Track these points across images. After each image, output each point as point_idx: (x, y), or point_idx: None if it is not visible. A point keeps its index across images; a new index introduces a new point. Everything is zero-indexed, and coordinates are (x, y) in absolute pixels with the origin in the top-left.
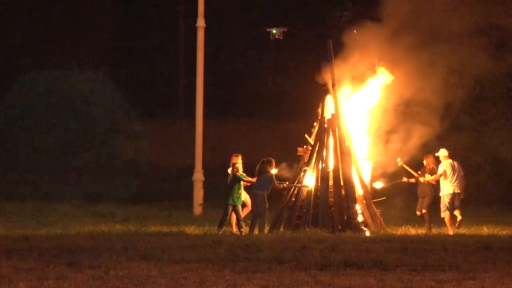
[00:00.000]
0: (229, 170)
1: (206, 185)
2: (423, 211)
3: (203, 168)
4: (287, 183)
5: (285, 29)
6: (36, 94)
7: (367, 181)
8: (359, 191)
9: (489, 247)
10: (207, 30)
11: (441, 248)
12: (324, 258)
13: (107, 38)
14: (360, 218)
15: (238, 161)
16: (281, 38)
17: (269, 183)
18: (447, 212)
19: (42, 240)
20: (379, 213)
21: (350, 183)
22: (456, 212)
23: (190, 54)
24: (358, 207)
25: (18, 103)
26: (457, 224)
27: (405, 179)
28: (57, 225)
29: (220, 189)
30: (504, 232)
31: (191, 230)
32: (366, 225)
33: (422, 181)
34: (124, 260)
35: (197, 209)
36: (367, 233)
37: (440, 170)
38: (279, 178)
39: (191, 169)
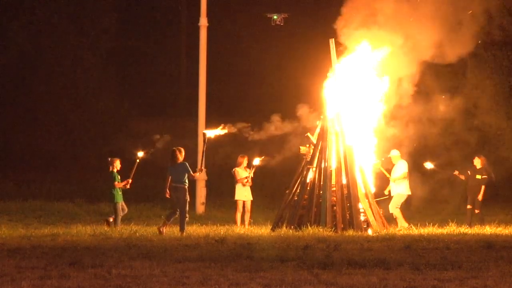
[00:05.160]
0: (233, 171)
1: (208, 184)
2: (476, 211)
3: (205, 167)
4: (203, 168)
5: (286, 15)
6: (38, 93)
7: (370, 179)
8: (361, 190)
9: (491, 246)
10: (209, 29)
11: (444, 247)
12: (327, 257)
13: (109, 36)
14: (362, 217)
15: (244, 162)
16: (282, 24)
17: (183, 174)
18: (398, 209)
19: (45, 239)
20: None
21: (353, 182)
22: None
23: (193, 53)
24: (360, 206)
25: (21, 102)
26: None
27: (456, 172)
28: (59, 224)
29: (223, 188)
30: (506, 231)
31: (193, 229)
32: (368, 224)
33: (392, 182)
34: (127, 259)
35: (200, 208)
36: (370, 232)
37: (404, 169)
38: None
39: (193, 168)
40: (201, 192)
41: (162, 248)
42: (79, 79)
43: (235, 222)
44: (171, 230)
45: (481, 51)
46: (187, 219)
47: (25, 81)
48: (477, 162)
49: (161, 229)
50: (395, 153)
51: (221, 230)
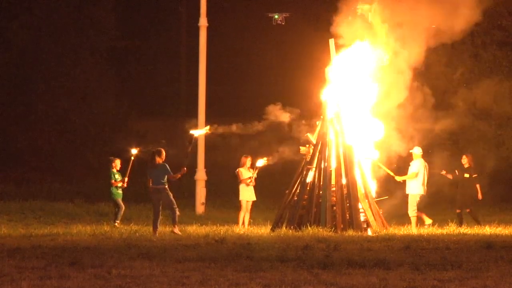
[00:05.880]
0: (236, 171)
1: (208, 184)
2: (467, 210)
3: (205, 167)
4: (185, 168)
5: (287, 15)
6: (38, 93)
7: (370, 179)
8: (361, 190)
9: (491, 246)
10: (209, 29)
11: (444, 247)
12: (327, 257)
13: (109, 37)
14: (362, 217)
15: (247, 163)
16: (283, 23)
17: (163, 175)
18: (415, 212)
19: (45, 239)
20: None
21: (353, 182)
22: (425, 216)
23: (193, 53)
24: (360, 206)
25: (21, 102)
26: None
27: (443, 172)
28: (59, 224)
29: (223, 188)
30: (506, 231)
31: (193, 229)
32: (368, 224)
33: (399, 180)
34: (127, 259)
35: (199, 208)
36: (370, 232)
37: (415, 169)
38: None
39: (193, 168)
40: (201, 192)
41: (162, 248)
42: (79, 79)
43: (237, 222)
44: (170, 230)
45: (481, 51)
46: (178, 213)
47: (25, 81)
48: (465, 161)
49: (154, 235)
50: (416, 151)
51: (221, 230)
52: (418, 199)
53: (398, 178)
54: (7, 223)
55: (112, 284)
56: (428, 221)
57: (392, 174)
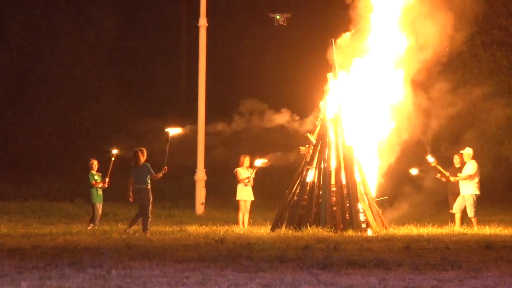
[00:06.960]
0: (234, 171)
1: (208, 184)
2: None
3: (205, 167)
4: (166, 167)
5: (289, 15)
6: (38, 94)
7: (372, 179)
8: (361, 190)
9: (491, 246)
10: (209, 29)
11: (443, 247)
12: (326, 257)
13: (109, 37)
14: (362, 217)
15: (246, 162)
16: (285, 24)
17: (145, 175)
18: (475, 213)
19: (45, 239)
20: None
21: (352, 182)
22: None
23: (192, 53)
24: (360, 206)
25: (21, 102)
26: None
27: (438, 176)
28: (59, 224)
29: (223, 188)
30: (506, 231)
31: (193, 229)
32: (368, 224)
33: (453, 180)
34: (126, 259)
35: (199, 208)
36: (369, 232)
37: (471, 170)
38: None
39: (193, 168)
40: (201, 192)
41: (162, 248)
42: (79, 79)
43: (237, 222)
44: (170, 230)
45: (481, 51)
46: (149, 219)
47: (25, 81)
48: (457, 161)
49: (127, 230)
50: (469, 151)
51: (220, 230)
52: (475, 199)
53: (453, 179)
54: (7, 223)
55: (112, 284)
56: (457, 225)
57: (447, 174)
